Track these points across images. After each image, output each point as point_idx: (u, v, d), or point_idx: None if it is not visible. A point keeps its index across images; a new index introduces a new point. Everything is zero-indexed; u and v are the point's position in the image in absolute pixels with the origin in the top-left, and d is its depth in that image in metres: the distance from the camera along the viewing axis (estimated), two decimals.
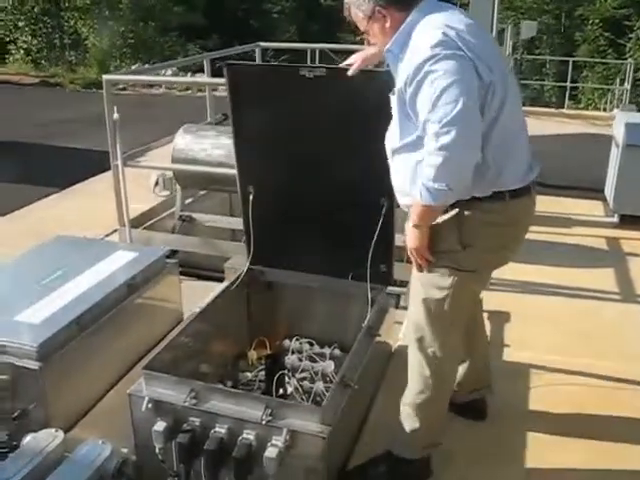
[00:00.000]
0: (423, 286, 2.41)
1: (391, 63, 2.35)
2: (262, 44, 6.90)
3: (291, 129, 2.99)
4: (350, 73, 2.57)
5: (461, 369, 2.79)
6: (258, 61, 6.74)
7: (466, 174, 2.13)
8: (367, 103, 2.61)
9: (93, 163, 6.53)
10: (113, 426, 2.65)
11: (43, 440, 2.37)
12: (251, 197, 3.18)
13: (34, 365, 2.55)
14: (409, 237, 2.36)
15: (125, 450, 2.47)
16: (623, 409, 2.98)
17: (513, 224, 2.36)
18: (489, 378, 2.93)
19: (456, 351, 2.54)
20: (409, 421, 2.50)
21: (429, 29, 2.18)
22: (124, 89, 11.56)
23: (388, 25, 2.28)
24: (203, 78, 5.90)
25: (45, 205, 5.76)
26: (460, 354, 2.64)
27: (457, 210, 2.28)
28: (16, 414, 2.54)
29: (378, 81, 2.47)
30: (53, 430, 2.42)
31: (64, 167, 6.94)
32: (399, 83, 2.21)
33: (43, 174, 6.64)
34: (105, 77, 4.27)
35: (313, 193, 3.08)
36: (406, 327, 2.47)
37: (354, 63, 2.60)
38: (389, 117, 2.36)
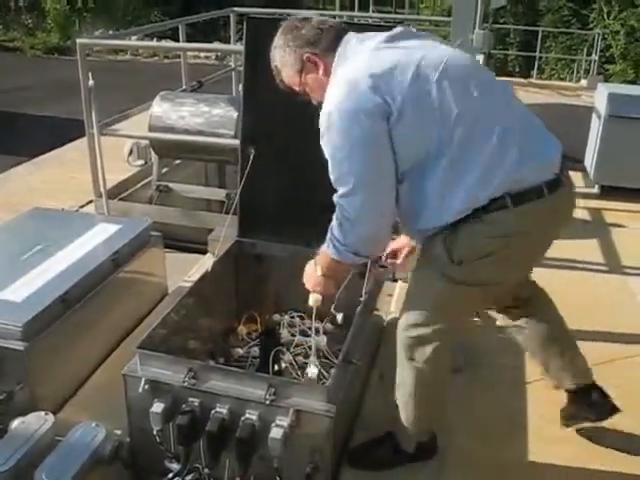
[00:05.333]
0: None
1: None
2: (236, 9, 6.69)
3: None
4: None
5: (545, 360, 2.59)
6: (232, 26, 6.55)
7: (374, 243, 2.13)
8: None
9: (61, 131, 6.32)
10: (103, 406, 2.55)
11: (32, 424, 2.26)
12: (251, 159, 3.02)
13: (19, 346, 2.42)
14: (314, 283, 2.32)
15: (119, 432, 2.37)
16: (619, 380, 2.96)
17: (519, 234, 2.04)
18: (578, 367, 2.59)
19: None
20: (402, 414, 2.37)
21: (339, 81, 2.01)
22: (88, 55, 11.16)
23: (321, 72, 2.13)
24: (183, 44, 5.67)
25: (15, 175, 5.51)
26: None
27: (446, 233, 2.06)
28: (1, 397, 2.42)
29: None
30: (42, 413, 2.31)
31: (31, 135, 6.68)
32: None
33: (10, 143, 6.37)
34: (79, 41, 4.07)
35: (314, 161, 2.94)
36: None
37: (398, 253, 2.43)
38: None
